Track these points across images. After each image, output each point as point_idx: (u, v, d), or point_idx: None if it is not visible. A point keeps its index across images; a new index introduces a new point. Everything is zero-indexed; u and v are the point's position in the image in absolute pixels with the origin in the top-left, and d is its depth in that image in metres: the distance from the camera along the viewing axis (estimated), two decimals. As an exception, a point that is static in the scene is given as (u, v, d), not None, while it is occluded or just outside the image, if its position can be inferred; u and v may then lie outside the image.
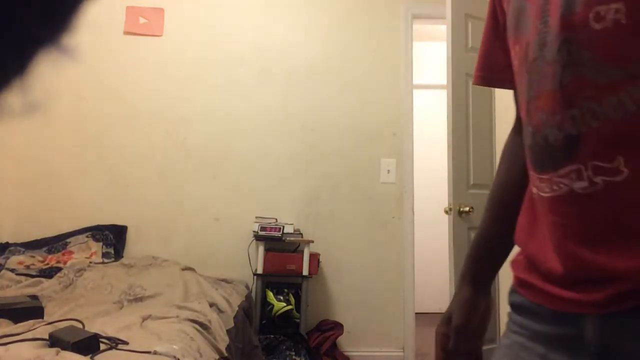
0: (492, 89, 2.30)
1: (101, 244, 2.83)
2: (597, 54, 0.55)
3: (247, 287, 2.77)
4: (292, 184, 3.11)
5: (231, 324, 2.06)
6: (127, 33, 3.15)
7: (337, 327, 2.89)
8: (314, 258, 2.84)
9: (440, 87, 3.83)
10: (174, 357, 1.37)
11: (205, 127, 3.13)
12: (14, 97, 0.21)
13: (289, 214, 3.07)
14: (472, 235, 2.46)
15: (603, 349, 0.58)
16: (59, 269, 2.50)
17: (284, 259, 2.78)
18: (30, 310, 1.79)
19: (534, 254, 0.67)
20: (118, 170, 3.07)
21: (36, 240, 2.85)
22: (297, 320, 2.72)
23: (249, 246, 2.95)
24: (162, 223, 3.04)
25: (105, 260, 2.71)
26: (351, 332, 3.00)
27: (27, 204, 3.01)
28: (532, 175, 0.65)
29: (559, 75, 0.58)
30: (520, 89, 0.67)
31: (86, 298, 2.19)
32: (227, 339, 1.86)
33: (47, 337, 1.42)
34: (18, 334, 1.47)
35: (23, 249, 2.76)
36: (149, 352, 1.37)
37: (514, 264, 0.73)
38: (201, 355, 1.52)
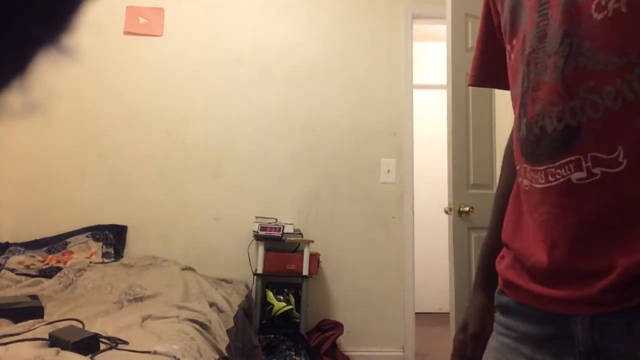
0: (493, 89, 2.30)
1: (101, 243, 2.83)
2: (597, 44, 0.55)
3: (247, 287, 2.77)
4: (292, 184, 3.11)
5: (231, 324, 2.06)
6: (127, 33, 3.15)
7: (337, 327, 2.89)
8: (314, 258, 2.84)
9: (440, 87, 3.83)
10: (174, 357, 1.37)
11: (205, 127, 3.13)
12: (14, 97, 0.21)
13: (289, 214, 3.07)
14: (472, 235, 2.49)
15: (592, 349, 0.57)
16: (59, 269, 2.50)
17: (284, 259, 2.78)
18: (30, 310, 1.79)
19: (520, 249, 0.67)
20: (118, 170, 3.07)
21: (36, 240, 2.85)
22: (297, 320, 2.72)
23: (249, 246, 2.95)
24: (162, 223, 3.04)
25: (105, 260, 2.71)
26: (351, 332, 3.00)
27: (27, 204, 3.01)
28: (524, 167, 0.65)
29: (560, 67, 0.58)
30: (515, 82, 0.67)
31: (86, 298, 2.19)
32: (227, 338, 1.86)
33: (47, 337, 1.42)
34: (18, 334, 1.47)
35: (23, 249, 2.76)
36: (149, 352, 1.37)
37: (499, 262, 0.73)
38: (201, 355, 1.52)
